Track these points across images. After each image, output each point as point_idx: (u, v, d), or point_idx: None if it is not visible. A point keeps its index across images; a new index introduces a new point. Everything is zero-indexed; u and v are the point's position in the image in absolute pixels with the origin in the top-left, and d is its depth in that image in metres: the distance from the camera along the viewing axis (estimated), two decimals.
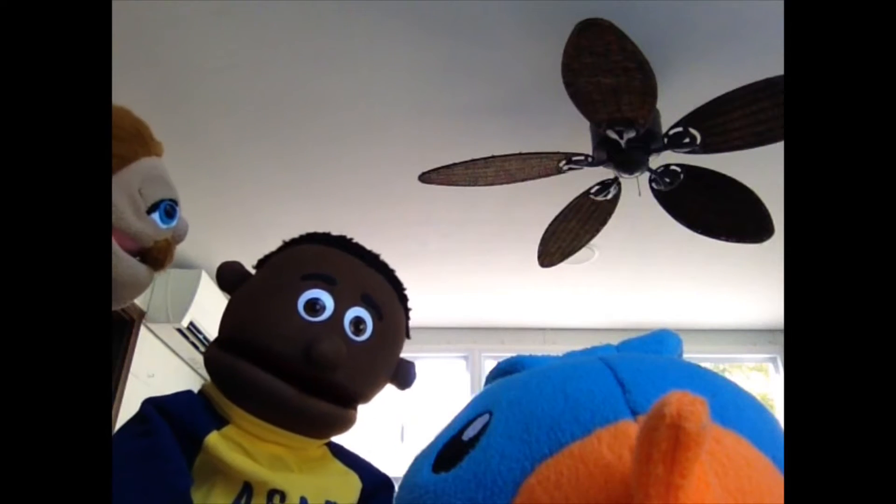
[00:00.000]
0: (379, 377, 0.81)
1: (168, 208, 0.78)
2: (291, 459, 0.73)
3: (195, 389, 0.78)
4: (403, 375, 0.84)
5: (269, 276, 0.81)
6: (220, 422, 0.71)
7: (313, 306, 0.74)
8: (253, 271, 0.85)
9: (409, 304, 0.87)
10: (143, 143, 0.80)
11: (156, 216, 0.77)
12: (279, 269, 0.81)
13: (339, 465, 0.79)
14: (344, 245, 0.84)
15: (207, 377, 0.78)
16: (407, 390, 0.86)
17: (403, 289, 0.86)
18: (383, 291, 0.82)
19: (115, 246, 0.72)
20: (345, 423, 0.77)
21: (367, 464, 0.82)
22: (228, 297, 0.83)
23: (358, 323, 0.76)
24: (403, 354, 0.86)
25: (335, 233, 0.86)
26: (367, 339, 0.76)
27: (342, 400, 0.76)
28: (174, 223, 0.80)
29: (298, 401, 0.71)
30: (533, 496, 0.41)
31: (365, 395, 0.80)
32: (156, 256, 0.77)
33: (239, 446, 0.69)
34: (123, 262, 0.73)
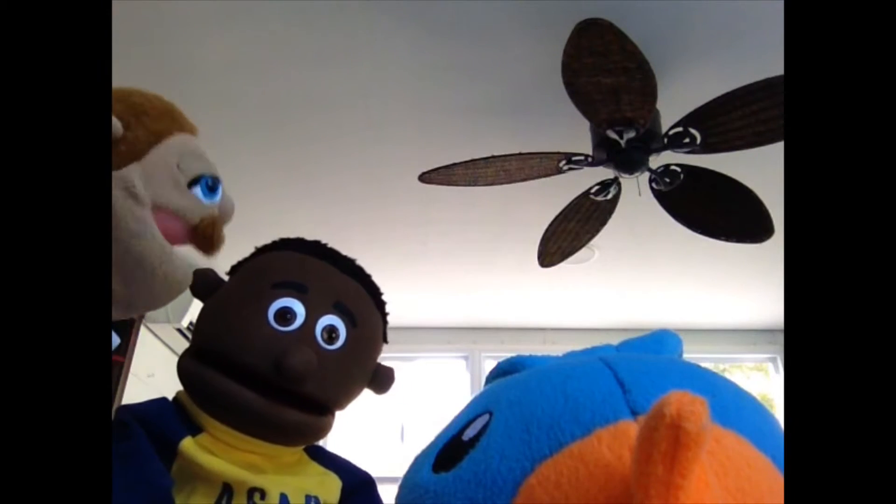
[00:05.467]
0: (353, 385, 0.79)
1: (210, 183, 0.76)
2: (267, 465, 0.72)
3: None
4: (381, 381, 0.83)
5: (240, 284, 0.80)
6: (194, 430, 0.70)
7: (284, 315, 0.73)
8: (226, 278, 0.83)
9: (387, 309, 0.86)
10: (176, 121, 0.78)
11: (197, 191, 0.75)
12: (250, 278, 0.80)
13: (316, 467, 0.78)
14: (317, 251, 0.82)
15: None
16: (384, 394, 0.85)
17: (380, 294, 0.85)
18: (358, 298, 0.80)
19: (168, 247, 0.70)
20: (318, 431, 0.76)
21: (346, 462, 0.81)
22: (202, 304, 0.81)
23: (330, 331, 0.75)
24: (404, 354, 0.86)
25: (311, 237, 0.84)
26: (340, 348, 0.75)
27: (315, 408, 0.75)
28: (217, 198, 0.78)
29: (269, 411, 0.70)
30: (533, 496, 0.41)
31: (338, 403, 0.79)
32: (203, 233, 0.75)
33: (212, 454, 0.68)
34: (177, 259, 0.71)
